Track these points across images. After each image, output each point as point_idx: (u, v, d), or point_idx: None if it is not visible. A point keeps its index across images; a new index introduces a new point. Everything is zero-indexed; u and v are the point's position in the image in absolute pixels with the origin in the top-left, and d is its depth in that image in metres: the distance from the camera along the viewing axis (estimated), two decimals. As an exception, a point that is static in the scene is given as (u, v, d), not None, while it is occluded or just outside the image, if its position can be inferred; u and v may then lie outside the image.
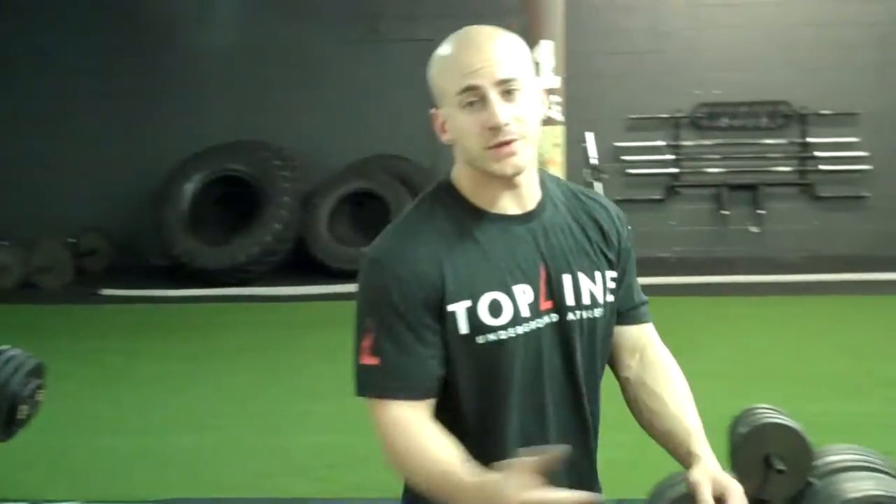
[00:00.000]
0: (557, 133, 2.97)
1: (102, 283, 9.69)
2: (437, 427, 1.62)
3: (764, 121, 10.14)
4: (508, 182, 1.65)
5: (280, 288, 9.31)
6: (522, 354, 1.65)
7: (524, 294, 1.65)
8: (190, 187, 10.07)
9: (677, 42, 10.15)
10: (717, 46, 10.10)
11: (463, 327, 1.62)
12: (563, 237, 1.71)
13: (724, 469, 1.69)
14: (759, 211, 10.15)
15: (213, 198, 10.26)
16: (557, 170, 3.02)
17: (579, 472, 1.74)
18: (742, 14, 10.14)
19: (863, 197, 10.05)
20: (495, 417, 1.66)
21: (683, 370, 1.84)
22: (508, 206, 1.68)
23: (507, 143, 1.59)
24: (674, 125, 10.18)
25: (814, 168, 10.11)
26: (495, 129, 1.59)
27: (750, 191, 10.19)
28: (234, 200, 10.16)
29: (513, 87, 1.60)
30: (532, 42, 3.13)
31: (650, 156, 10.11)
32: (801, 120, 10.07)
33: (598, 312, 1.72)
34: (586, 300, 1.70)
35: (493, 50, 1.61)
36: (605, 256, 1.75)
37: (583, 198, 1.79)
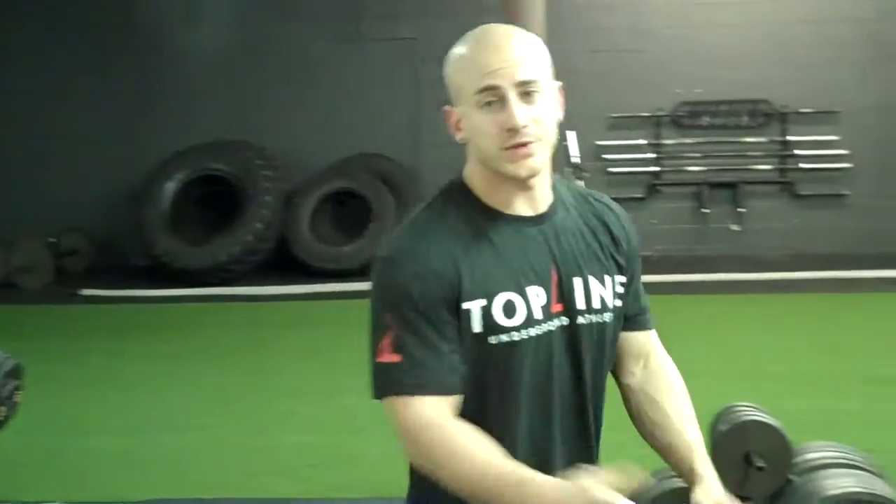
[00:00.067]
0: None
1: (83, 284, 9.64)
2: (471, 426, 1.58)
3: (745, 119, 10.19)
4: (522, 184, 1.64)
5: (262, 287, 9.29)
6: (533, 357, 1.64)
7: (537, 296, 1.64)
8: (171, 187, 10.03)
9: (658, 40, 10.18)
10: (698, 45, 10.14)
11: (476, 326, 1.60)
12: (574, 240, 1.70)
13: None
14: (739, 209, 10.19)
15: (195, 197, 10.22)
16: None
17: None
18: (722, 13, 10.17)
19: (843, 195, 10.10)
20: (504, 419, 1.64)
21: (664, 368, 1.84)
22: (521, 207, 1.67)
23: (524, 144, 1.58)
24: (655, 123, 10.21)
25: (794, 166, 10.16)
26: (513, 130, 1.57)
27: (731, 189, 10.23)
28: (216, 200, 10.13)
29: (532, 89, 1.59)
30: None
31: (631, 154, 10.13)
32: (781, 118, 10.12)
33: (607, 317, 1.72)
34: (596, 304, 1.70)
35: (513, 50, 1.60)
36: (615, 260, 1.75)
37: (593, 201, 1.79)
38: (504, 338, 1.61)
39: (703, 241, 10.19)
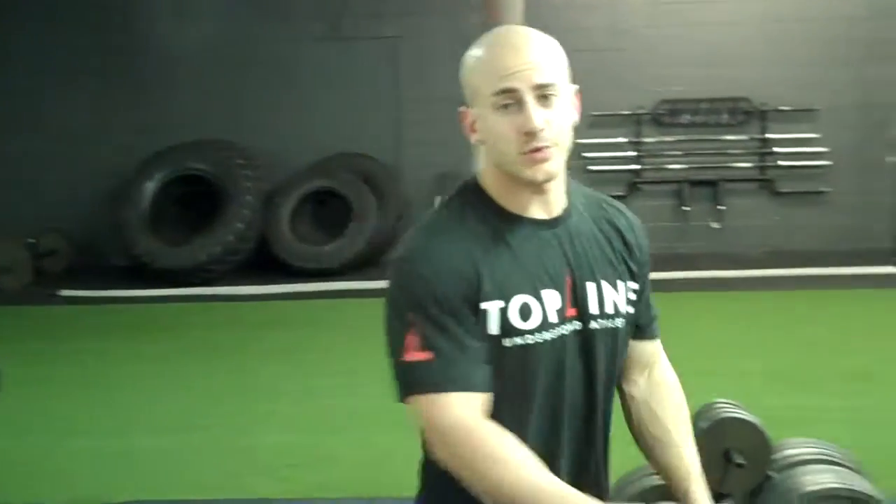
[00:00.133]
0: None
1: (62, 284, 9.59)
2: (505, 431, 1.55)
3: (725, 117, 10.21)
4: (538, 188, 1.63)
5: (242, 287, 9.25)
6: (546, 360, 1.63)
7: (552, 300, 1.63)
8: (151, 187, 9.97)
9: (637, 39, 10.20)
10: (678, 43, 10.16)
11: (494, 328, 1.59)
12: (588, 245, 1.70)
13: None
14: (719, 207, 10.22)
15: (175, 197, 10.17)
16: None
17: (587, 479, 1.73)
18: (702, 12, 10.19)
19: (822, 192, 10.15)
20: (515, 421, 1.61)
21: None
22: (536, 210, 1.66)
23: (541, 149, 1.58)
24: (635, 122, 10.22)
25: (774, 164, 10.20)
26: (531, 133, 1.57)
27: (711, 187, 10.26)
28: (196, 200, 10.08)
29: (549, 93, 1.58)
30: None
31: (612, 152, 10.14)
32: (761, 116, 10.16)
33: (619, 322, 1.72)
34: (609, 309, 1.69)
35: (531, 53, 1.59)
36: (628, 266, 1.75)
37: (606, 206, 1.79)
38: (518, 340, 1.60)
39: (683, 238, 10.22)
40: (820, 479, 2.73)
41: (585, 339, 1.67)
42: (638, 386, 1.83)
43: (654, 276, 1.83)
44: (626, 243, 1.75)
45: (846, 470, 2.85)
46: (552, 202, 1.67)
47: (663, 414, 1.82)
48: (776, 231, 10.18)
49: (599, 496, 1.72)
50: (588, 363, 1.68)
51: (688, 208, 10.21)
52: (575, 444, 1.70)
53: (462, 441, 1.53)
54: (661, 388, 1.84)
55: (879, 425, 4.92)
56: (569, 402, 1.67)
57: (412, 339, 1.57)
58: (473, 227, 1.63)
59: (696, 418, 3.00)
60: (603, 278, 1.69)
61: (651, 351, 1.86)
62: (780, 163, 10.16)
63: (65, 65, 10.63)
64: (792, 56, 10.02)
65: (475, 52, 1.64)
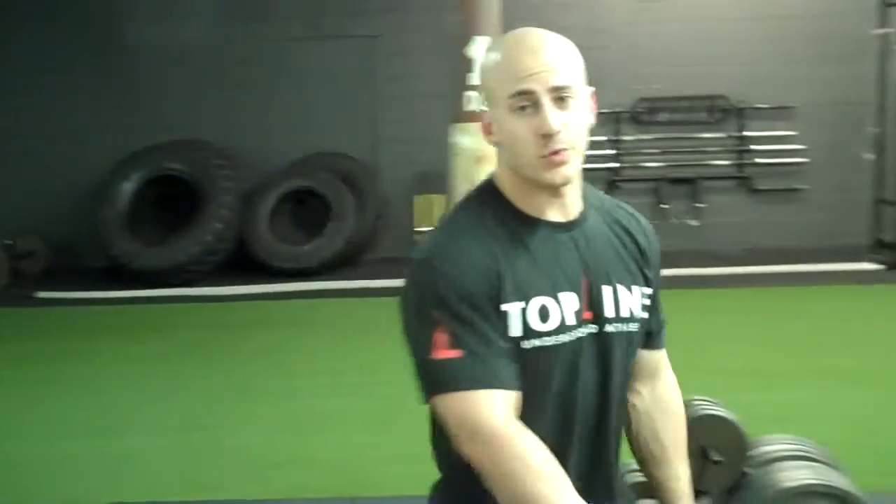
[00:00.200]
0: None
1: (39, 286, 9.53)
2: (532, 436, 1.54)
3: (703, 115, 10.25)
4: (555, 191, 1.64)
5: (221, 288, 9.22)
6: (561, 363, 1.63)
7: (570, 302, 1.63)
8: (129, 187, 9.93)
9: (615, 38, 10.22)
10: (656, 42, 10.19)
11: (516, 329, 1.59)
12: (604, 248, 1.70)
13: None
14: (698, 204, 10.27)
15: (153, 198, 10.12)
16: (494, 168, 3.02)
17: (598, 481, 1.73)
18: (678, 9, 10.24)
19: (800, 189, 10.20)
20: (528, 424, 1.59)
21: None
22: (553, 213, 1.66)
23: (558, 152, 1.58)
24: (614, 120, 10.25)
25: (751, 162, 10.25)
26: (548, 136, 1.57)
27: (689, 185, 10.30)
28: (175, 200, 10.04)
29: (566, 95, 1.59)
30: (468, 38, 3.13)
31: (591, 150, 10.11)
32: (738, 114, 10.20)
33: (634, 326, 1.72)
34: (625, 313, 1.69)
35: (548, 55, 1.59)
36: (642, 271, 1.76)
37: (620, 211, 1.80)
38: (537, 343, 1.60)
39: (661, 236, 9.95)
40: (797, 475, 2.73)
41: (601, 342, 1.67)
42: (642, 397, 1.84)
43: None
44: (639, 248, 1.76)
45: (823, 466, 2.86)
46: (568, 205, 1.68)
47: (664, 433, 1.85)
48: (754, 228, 10.23)
49: (610, 498, 1.74)
50: (603, 366, 1.68)
51: (666, 206, 10.25)
52: (587, 446, 1.70)
53: (489, 440, 1.52)
54: (665, 406, 1.87)
55: (857, 421, 4.95)
56: (581, 404, 1.67)
57: (440, 337, 1.55)
58: (492, 228, 1.63)
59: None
60: (619, 282, 1.70)
61: (657, 360, 1.87)
62: (758, 160, 10.22)
63: (42, 66, 10.55)
64: (769, 54, 10.08)
65: (492, 55, 1.64)
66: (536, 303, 1.60)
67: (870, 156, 9.57)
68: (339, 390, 5.78)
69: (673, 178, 10.26)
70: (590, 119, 1.66)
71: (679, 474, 1.84)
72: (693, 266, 9.19)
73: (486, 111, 1.66)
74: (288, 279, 9.33)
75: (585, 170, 1.69)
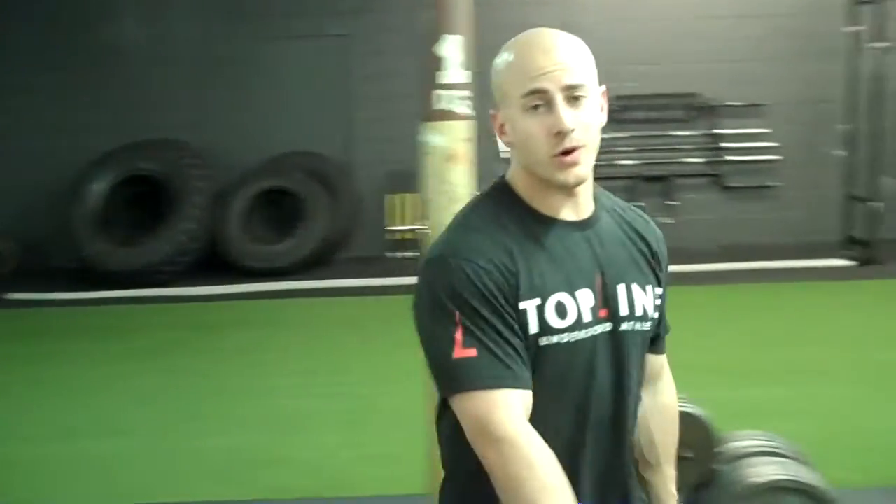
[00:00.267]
0: (468, 128, 2.97)
1: (9, 287, 9.44)
2: (544, 445, 1.53)
3: (677, 113, 10.29)
4: (569, 190, 1.63)
5: (193, 288, 9.16)
6: (576, 360, 1.62)
7: (586, 299, 1.62)
8: (99, 187, 9.86)
9: (589, 36, 9.94)
10: (630, 39, 10.21)
11: (533, 327, 1.58)
12: (616, 248, 1.70)
13: None
14: (672, 202, 10.30)
15: (124, 198, 10.05)
16: (467, 166, 3.01)
17: (612, 481, 1.73)
18: (653, 7, 10.27)
19: (772, 186, 10.26)
20: (543, 422, 1.58)
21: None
22: (566, 212, 1.66)
23: (571, 151, 1.58)
24: (588, 118, 10.26)
25: (723, 159, 10.30)
26: (561, 134, 1.56)
27: (663, 182, 10.34)
28: (146, 200, 9.98)
29: (579, 94, 1.59)
30: (439, 36, 3.12)
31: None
32: (711, 112, 10.25)
33: (647, 326, 1.72)
34: (639, 312, 1.69)
35: (561, 54, 1.59)
36: (654, 272, 1.76)
37: (630, 213, 1.79)
38: (554, 339, 1.59)
39: None
40: (765, 471, 2.75)
41: (616, 340, 1.67)
42: (641, 402, 1.83)
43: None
44: (651, 249, 1.76)
45: (792, 462, 2.88)
46: (581, 204, 1.67)
47: (660, 438, 1.88)
48: (727, 225, 10.27)
49: (625, 498, 1.74)
50: (618, 365, 1.67)
51: (641, 204, 10.25)
52: (602, 444, 1.69)
53: (500, 442, 1.51)
54: (664, 411, 1.89)
55: (831, 417, 4.98)
56: (597, 403, 1.66)
57: (458, 336, 1.54)
58: (507, 226, 1.62)
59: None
60: (632, 281, 1.70)
61: (659, 364, 1.88)
62: (731, 158, 10.27)
63: (13, 63, 10.48)
64: (742, 52, 10.13)
65: (504, 55, 1.64)
66: (554, 299, 1.59)
67: (840, 152, 9.63)
68: (313, 390, 5.77)
69: (647, 176, 10.30)
70: (602, 118, 1.66)
71: (669, 482, 1.88)
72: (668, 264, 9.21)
73: (499, 112, 1.66)
74: (261, 279, 9.30)
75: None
